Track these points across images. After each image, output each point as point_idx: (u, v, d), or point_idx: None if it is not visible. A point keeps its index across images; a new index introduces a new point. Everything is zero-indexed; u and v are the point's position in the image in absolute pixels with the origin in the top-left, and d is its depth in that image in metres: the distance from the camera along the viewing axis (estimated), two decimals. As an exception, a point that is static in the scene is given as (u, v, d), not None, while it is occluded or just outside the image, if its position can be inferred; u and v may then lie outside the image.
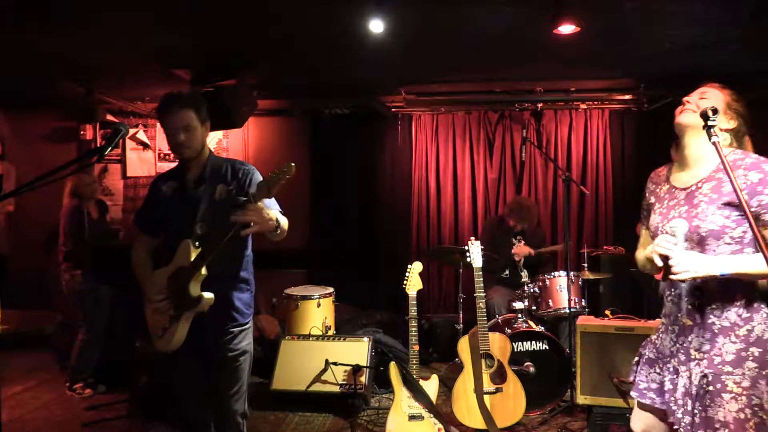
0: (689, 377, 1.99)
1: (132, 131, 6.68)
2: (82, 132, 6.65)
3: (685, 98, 2.11)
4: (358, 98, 5.95)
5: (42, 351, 5.74)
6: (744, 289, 1.95)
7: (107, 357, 4.85)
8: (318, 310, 4.77)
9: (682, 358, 2.03)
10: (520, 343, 4.18)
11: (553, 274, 4.67)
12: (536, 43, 4.50)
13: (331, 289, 4.98)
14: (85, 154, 5.82)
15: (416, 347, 3.63)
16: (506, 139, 6.30)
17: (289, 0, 3.71)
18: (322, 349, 4.36)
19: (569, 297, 4.43)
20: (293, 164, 2.37)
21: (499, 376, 3.78)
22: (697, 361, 1.98)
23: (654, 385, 2.14)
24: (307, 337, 4.50)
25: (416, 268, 3.68)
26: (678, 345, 2.06)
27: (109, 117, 6.56)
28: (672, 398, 2.05)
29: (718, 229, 1.93)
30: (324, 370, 4.25)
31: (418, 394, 3.54)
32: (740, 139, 2.09)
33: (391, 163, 6.45)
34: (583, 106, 6.13)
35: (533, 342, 4.21)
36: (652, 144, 5.84)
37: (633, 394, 2.20)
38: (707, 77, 2.17)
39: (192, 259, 2.47)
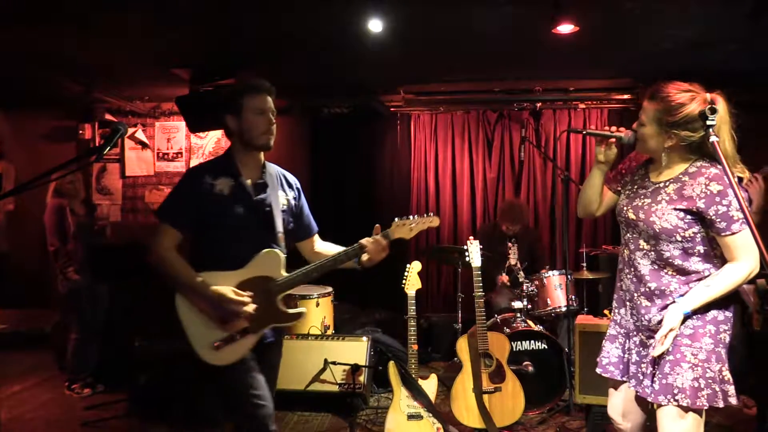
0: (654, 348, 2.12)
1: (131, 131, 6.69)
2: (80, 131, 6.65)
3: (633, 125, 2.24)
4: (358, 98, 5.95)
5: (41, 350, 5.74)
6: (699, 274, 2.10)
7: (106, 356, 4.85)
8: (317, 309, 4.77)
9: (647, 334, 2.19)
10: (518, 343, 4.19)
11: (549, 273, 4.68)
12: (535, 43, 4.51)
13: (330, 289, 4.98)
14: (83, 153, 5.82)
15: (415, 347, 3.63)
16: (505, 139, 6.30)
17: (288, -1, 3.71)
18: (321, 348, 4.36)
19: (567, 296, 4.44)
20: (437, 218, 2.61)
21: (497, 376, 3.79)
22: (656, 332, 2.12)
23: (614, 359, 2.30)
24: (306, 336, 4.50)
25: (415, 267, 3.68)
26: (640, 322, 2.20)
27: (108, 116, 6.55)
28: (639, 369, 2.21)
29: (670, 228, 2.08)
30: (323, 370, 4.25)
31: (417, 393, 3.54)
32: (696, 149, 2.09)
33: (390, 163, 6.45)
34: (582, 106, 6.13)
35: (532, 341, 4.21)
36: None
37: (597, 370, 2.35)
38: (705, 77, 2.19)
39: (284, 272, 2.44)
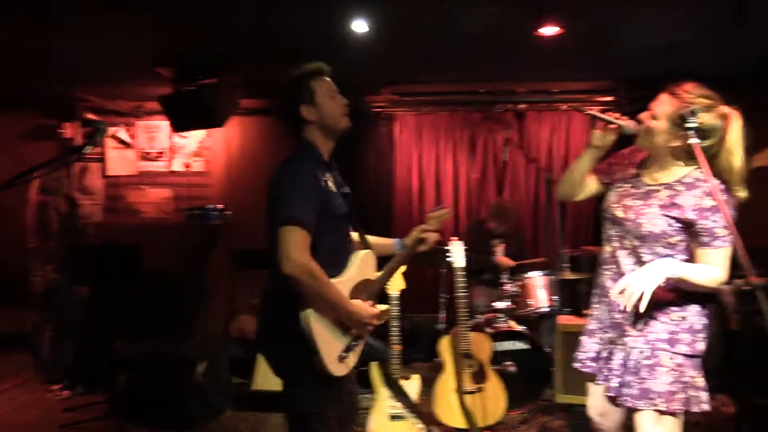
0: (626, 351, 2.16)
1: (113, 130, 6.63)
2: (61, 130, 6.56)
3: (641, 115, 2.19)
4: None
5: (19, 351, 5.66)
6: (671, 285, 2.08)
7: (85, 357, 4.80)
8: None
9: (620, 332, 2.20)
10: (500, 343, 4.21)
11: (531, 273, 4.71)
12: (519, 45, 4.53)
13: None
14: (65, 152, 5.76)
15: (398, 347, 3.63)
16: (489, 140, 6.32)
17: (271, -1, 3.71)
18: (303, 349, 4.35)
19: (549, 296, 4.47)
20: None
21: (479, 376, 3.80)
22: (633, 338, 2.15)
23: (592, 354, 2.32)
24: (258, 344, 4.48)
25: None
26: (614, 319, 2.23)
27: (90, 115, 6.48)
28: (606, 366, 2.23)
29: (658, 233, 2.10)
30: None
31: (400, 394, 3.55)
32: (690, 154, 2.07)
33: (374, 163, 6.44)
34: (565, 107, 6.17)
35: (514, 341, 4.24)
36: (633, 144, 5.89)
37: (575, 365, 2.37)
38: (687, 79, 2.19)
39: (376, 271, 2.40)
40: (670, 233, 2.08)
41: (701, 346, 2.10)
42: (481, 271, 5.14)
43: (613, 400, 2.22)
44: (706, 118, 2.03)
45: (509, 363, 4.13)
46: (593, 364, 2.30)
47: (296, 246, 2.05)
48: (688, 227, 2.06)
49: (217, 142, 6.63)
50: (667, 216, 2.08)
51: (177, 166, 6.73)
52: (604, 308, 2.29)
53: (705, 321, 2.13)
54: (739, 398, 3.71)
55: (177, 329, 4.75)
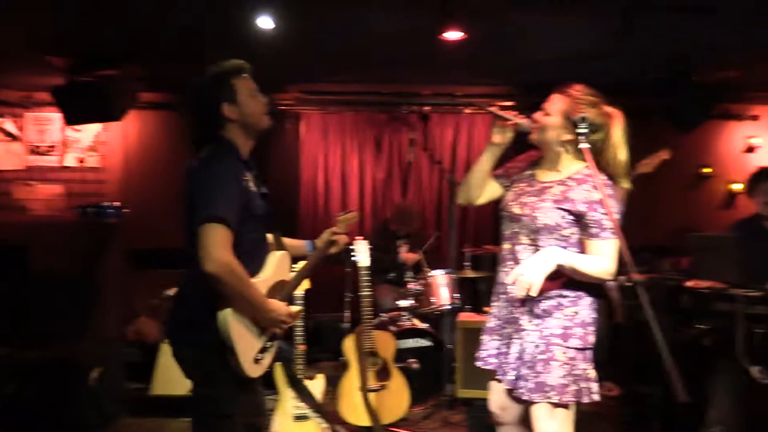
0: (522, 346, 2.25)
1: (-4, 121, 6.19)
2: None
3: (535, 114, 2.34)
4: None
5: None
6: (569, 277, 2.20)
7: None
8: (202, 311, 4.63)
9: (516, 326, 2.29)
10: (404, 341, 4.28)
11: (434, 272, 4.82)
12: (424, 48, 4.62)
13: (215, 290, 4.85)
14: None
15: (302, 347, 3.62)
16: (394, 141, 6.41)
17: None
18: (205, 351, 4.24)
19: (451, 294, 4.59)
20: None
21: (383, 374, 3.85)
22: (528, 332, 2.24)
23: (493, 351, 2.40)
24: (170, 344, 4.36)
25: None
26: (512, 315, 2.31)
27: (-28, 105, 6.04)
28: (505, 361, 2.31)
29: (553, 225, 2.21)
30: (207, 373, 4.14)
31: (304, 394, 3.54)
32: (579, 150, 2.22)
33: (279, 162, 6.35)
34: (468, 111, 6.35)
35: (417, 339, 4.32)
36: (533, 147, 6.15)
37: (477, 363, 2.44)
38: (561, 86, 2.33)
39: (290, 273, 2.42)
40: (563, 225, 2.21)
41: (592, 338, 2.23)
42: (385, 270, 5.21)
43: (510, 392, 2.32)
44: (593, 115, 2.21)
45: (412, 360, 4.21)
46: (494, 361, 2.38)
47: (219, 244, 2.00)
48: (579, 219, 2.20)
49: (114, 136, 6.33)
50: (560, 209, 2.21)
51: (70, 161, 6.36)
52: (503, 305, 2.37)
53: (595, 315, 2.26)
54: (624, 385, 3.97)
55: (68, 334, 4.50)
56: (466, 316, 4.17)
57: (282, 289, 2.33)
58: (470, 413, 3.87)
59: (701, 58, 5.09)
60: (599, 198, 2.13)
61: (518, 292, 2.11)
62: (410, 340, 4.30)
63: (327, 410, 3.68)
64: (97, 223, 5.51)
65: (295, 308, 2.33)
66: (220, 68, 2.28)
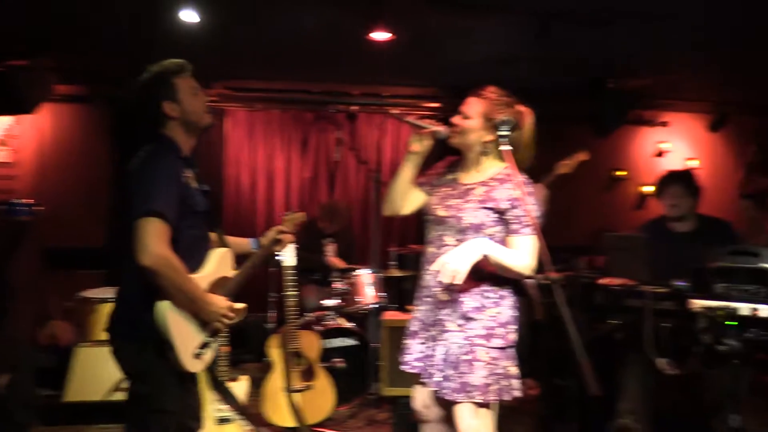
0: (447, 347, 2.29)
1: None
2: None
3: (453, 119, 2.41)
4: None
5: None
6: (492, 277, 2.29)
7: None
8: (119, 313, 4.47)
9: (440, 328, 2.33)
10: (329, 340, 4.28)
11: (359, 271, 4.83)
12: (352, 47, 4.63)
13: (133, 291, 4.69)
14: None
15: (225, 348, 3.55)
16: (321, 140, 6.39)
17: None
18: (123, 354, 4.10)
19: (376, 293, 4.62)
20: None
21: (308, 374, 3.84)
22: (452, 333, 2.29)
23: (418, 354, 2.42)
24: (104, 342, 4.20)
25: (226, 267, 3.60)
26: (437, 316, 2.34)
27: None
28: (431, 363, 2.34)
29: (478, 224, 2.28)
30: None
31: (227, 396, 3.47)
32: (499, 151, 2.32)
33: (203, 159, 6.19)
34: (395, 111, 6.40)
35: (342, 338, 4.32)
36: (452, 152, 6.27)
37: (402, 366, 2.46)
38: (505, 89, 2.40)
39: (233, 270, 2.43)
40: (488, 224, 2.28)
41: (513, 336, 2.31)
42: (311, 270, 5.18)
43: (435, 393, 2.35)
44: (510, 115, 2.30)
45: (338, 360, 4.21)
46: (419, 364, 2.40)
47: (155, 237, 2.01)
48: (503, 217, 2.28)
49: (26, 130, 6.00)
50: (484, 208, 2.28)
51: (-24, 155, 6.01)
52: (427, 307, 2.40)
53: (516, 314, 2.34)
54: (543, 380, 4.10)
55: (-27, 338, 4.25)
56: (391, 315, 4.21)
57: (224, 285, 2.35)
58: (395, 411, 3.90)
59: (616, 66, 5.33)
60: (520, 196, 2.21)
61: (443, 279, 2.15)
62: (336, 340, 4.30)
63: (251, 412, 3.63)
64: (7, 221, 5.23)
65: (237, 306, 2.34)
66: (162, 67, 2.30)
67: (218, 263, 2.34)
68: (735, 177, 7.17)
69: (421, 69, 5.48)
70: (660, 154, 7.10)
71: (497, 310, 2.29)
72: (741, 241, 3.87)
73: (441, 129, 2.39)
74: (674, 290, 3.03)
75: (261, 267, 3.64)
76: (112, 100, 5.88)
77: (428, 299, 2.39)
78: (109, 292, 4.58)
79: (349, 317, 4.76)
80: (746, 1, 3.85)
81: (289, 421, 3.72)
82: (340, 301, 4.70)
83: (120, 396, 3.99)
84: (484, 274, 2.28)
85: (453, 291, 2.29)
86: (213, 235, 2.47)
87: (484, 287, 2.30)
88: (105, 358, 4.05)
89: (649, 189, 6.88)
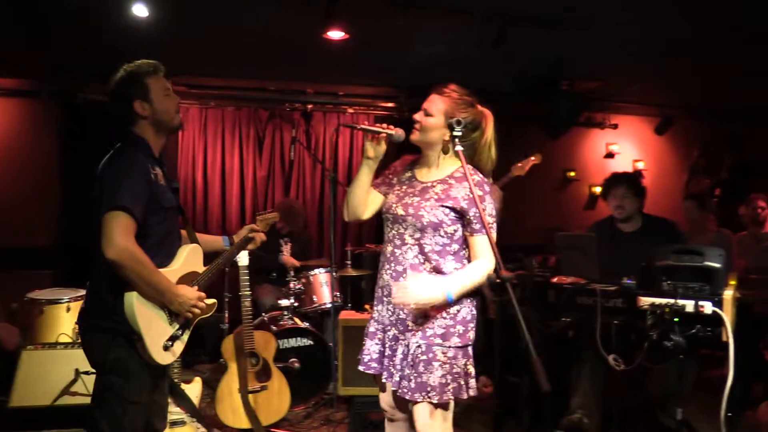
0: (407, 346, 2.30)
1: None
2: None
3: (415, 115, 2.40)
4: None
5: None
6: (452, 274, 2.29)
7: None
8: (68, 315, 4.34)
9: (401, 327, 2.33)
10: (285, 341, 4.25)
11: (315, 270, 4.82)
12: (309, 46, 4.62)
13: (83, 292, 4.56)
14: None
15: (178, 350, 3.49)
16: (276, 138, 6.33)
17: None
18: (71, 357, 3.97)
19: (332, 293, 4.62)
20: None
21: (264, 374, 3.80)
22: (413, 332, 2.29)
23: (375, 355, 2.42)
24: (54, 345, 4.08)
25: (180, 267, 3.54)
26: (395, 316, 2.34)
27: None
28: (390, 363, 2.35)
29: (436, 222, 2.27)
30: (74, 381, 3.89)
31: (180, 398, 3.42)
32: (466, 148, 2.32)
33: (156, 157, 6.11)
34: (351, 111, 6.40)
35: (298, 338, 4.31)
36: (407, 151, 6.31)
37: (360, 367, 2.46)
38: (437, 86, 2.40)
39: (202, 265, 2.48)
40: (447, 223, 2.28)
41: (472, 335, 2.32)
42: (267, 270, 5.14)
43: (395, 392, 2.35)
44: (471, 114, 2.32)
45: (293, 360, 4.19)
46: (377, 365, 2.40)
47: (120, 231, 2.08)
48: (462, 216, 2.28)
49: (-31, 125, 5.80)
50: (443, 207, 2.28)
51: None
52: (386, 308, 2.39)
53: (474, 312, 2.35)
54: (496, 378, 4.16)
55: None
56: (347, 315, 4.19)
57: (194, 279, 2.40)
58: (351, 411, 3.90)
59: (569, 69, 5.46)
60: (479, 194, 2.22)
61: (396, 300, 2.20)
62: (291, 340, 4.28)
63: (205, 414, 3.58)
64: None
65: (209, 301, 2.42)
66: (135, 66, 2.35)
67: (187, 258, 2.39)
68: (680, 178, 7.43)
69: (376, 69, 5.50)
70: (610, 155, 7.30)
71: (456, 308, 2.29)
72: (686, 240, 4.01)
73: (395, 132, 2.36)
74: (623, 288, 3.12)
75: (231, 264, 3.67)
76: (60, 95, 5.72)
77: (386, 299, 2.38)
78: (57, 293, 4.46)
79: (305, 317, 4.74)
80: (692, 9, 3.99)
81: (244, 423, 3.68)
82: (295, 301, 4.67)
83: (69, 400, 3.89)
84: (442, 270, 2.29)
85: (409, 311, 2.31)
86: (183, 231, 2.53)
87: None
88: (52, 361, 3.97)
89: (599, 189, 7.05)
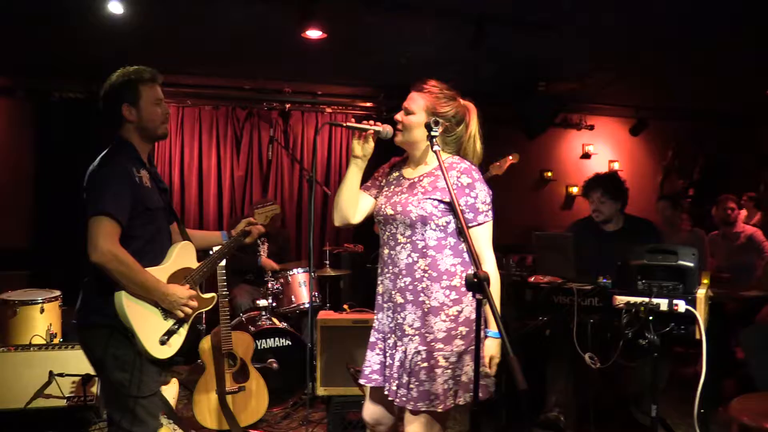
0: (405, 352, 2.22)
1: None
2: None
3: (396, 116, 2.34)
4: (95, 83, 5.46)
5: None
6: (450, 273, 2.22)
7: None
8: (41, 316, 4.28)
9: (399, 333, 2.26)
10: (263, 341, 4.23)
11: (293, 270, 4.80)
12: (287, 45, 4.60)
13: (57, 293, 4.50)
14: None
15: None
16: (254, 138, 6.30)
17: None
18: (45, 359, 3.92)
19: (310, 293, 4.61)
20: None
21: (241, 375, 3.78)
22: (410, 337, 2.22)
23: (376, 366, 2.34)
24: (27, 347, 4.02)
25: (157, 268, 3.51)
26: (395, 322, 2.27)
27: None
28: (389, 373, 2.27)
29: (426, 215, 2.20)
30: (48, 383, 3.83)
31: (157, 400, 3.38)
32: (452, 143, 2.33)
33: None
34: (329, 110, 6.39)
35: (276, 339, 4.29)
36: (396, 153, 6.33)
37: (361, 381, 2.38)
38: (415, 84, 2.38)
39: (195, 261, 2.53)
40: (437, 214, 2.20)
41: (480, 334, 2.23)
42: (244, 270, 5.11)
43: (392, 402, 2.26)
44: (454, 108, 2.29)
45: (271, 360, 4.17)
46: (378, 377, 2.32)
47: (103, 235, 2.17)
48: (452, 208, 2.15)
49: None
50: (431, 199, 2.21)
51: None
52: (386, 314, 2.32)
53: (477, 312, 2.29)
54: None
55: None
56: (325, 314, 4.19)
57: (186, 276, 2.46)
58: (330, 410, 3.90)
59: (546, 70, 5.51)
60: (467, 182, 2.19)
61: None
62: (269, 340, 4.26)
63: (182, 416, 3.55)
64: None
65: (206, 296, 2.52)
66: (132, 70, 2.42)
67: (178, 256, 2.46)
68: (654, 179, 7.54)
69: (355, 68, 5.50)
70: (586, 155, 7.38)
71: (457, 309, 2.19)
72: (664, 241, 4.08)
73: (383, 128, 2.31)
74: (599, 287, 3.16)
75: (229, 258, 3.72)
76: (35, 93, 5.62)
77: (387, 305, 2.31)
78: (31, 294, 4.39)
79: (283, 317, 4.72)
80: (668, 11, 4.06)
81: (222, 424, 3.66)
82: (273, 301, 4.66)
83: (43, 403, 3.83)
84: (439, 266, 2.21)
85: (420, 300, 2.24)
86: (175, 229, 2.60)
87: (443, 285, 2.20)
88: (26, 363, 3.91)
89: (576, 189, 7.15)
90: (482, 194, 2.22)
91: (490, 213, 2.23)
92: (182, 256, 2.48)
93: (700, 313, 2.73)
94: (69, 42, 4.58)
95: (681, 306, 2.73)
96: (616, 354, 2.91)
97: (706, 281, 2.87)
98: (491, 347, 2.18)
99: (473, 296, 2.16)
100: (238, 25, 4.27)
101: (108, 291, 2.22)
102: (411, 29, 4.35)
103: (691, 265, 2.81)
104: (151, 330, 2.30)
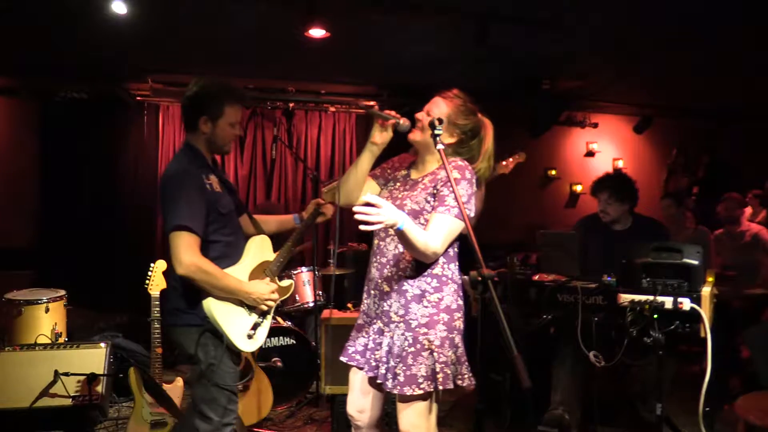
0: (392, 338, 2.29)
1: None
2: None
3: (417, 114, 2.40)
4: (99, 83, 5.48)
5: None
6: (433, 263, 2.29)
7: None
8: (46, 315, 4.29)
9: (385, 320, 2.33)
10: (268, 340, 4.23)
11: (298, 269, 4.81)
12: (290, 44, 4.60)
13: (62, 292, 4.51)
14: None
15: (159, 350, 3.48)
16: (257, 137, 6.31)
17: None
18: (50, 359, 3.92)
19: (314, 291, 4.61)
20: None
21: (246, 374, 3.79)
22: (396, 324, 2.29)
23: (360, 348, 2.41)
24: (33, 346, 4.02)
25: (159, 266, 3.52)
26: (381, 308, 2.35)
27: None
28: (373, 356, 2.34)
29: (418, 209, 2.29)
30: (53, 383, 3.83)
31: (161, 399, 3.40)
32: (464, 155, 2.38)
33: (135, 155, 6.03)
34: (332, 109, 6.39)
35: (281, 337, 4.29)
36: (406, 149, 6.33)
37: (342, 357, 2.45)
38: (440, 90, 2.43)
39: (273, 252, 2.69)
40: (426, 209, 2.28)
41: (459, 324, 2.31)
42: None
43: (380, 386, 2.33)
44: (473, 122, 2.37)
45: (276, 359, 4.18)
46: (360, 358, 2.39)
47: (185, 249, 2.31)
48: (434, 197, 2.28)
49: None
50: (428, 195, 2.29)
51: None
52: (373, 299, 2.39)
53: (460, 302, 2.33)
54: (478, 375, 4.18)
55: None
56: (330, 313, 4.19)
57: (266, 269, 2.62)
58: (335, 409, 3.90)
59: (550, 68, 5.50)
60: (455, 177, 2.21)
61: (359, 210, 2.03)
62: (274, 339, 4.26)
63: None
64: None
65: (283, 283, 2.66)
66: (225, 85, 2.54)
67: (255, 250, 2.61)
68: (658, 177, 7.52)
69: (358, 67, 5.49)
70: (590, 153, 7.37)
71: (438, 296, 2.27)
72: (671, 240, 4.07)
73: (402, 121, 2.36)
74: (604, 285, 3.15)
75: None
76: (39, 93, 5.64)
77: (373, 292, 2.38)
78: (36, 294, 4.40)
79: (288, 316, 4.73)
80: (671, 11, 4.04)
81: (227, 423, 3.67)
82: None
83: (48, 402, 3.84)
84: (422, 264, 2.26)
85: (395, 279, 2.29)
86: (246, 221, 2.75)
87: (425, 274, 2.28)
88: (31, 363, 3.91)
89: (580, 187, 7.13)
90: (463, 191, 2.24)
91: (453, 211, 2.21)
92: (259, 250, 2.63)
93: (705, 311, 2.72)
94: (71, 42, 4.59)
95: (686, 304, 2.72)
96: (620, 352, 2.90)
97: (711, 279, 2.86)
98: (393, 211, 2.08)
99: (476, 294, 2.20)
100: (242, 24, 4.27)
101: (196, 296, 2.40)
102: (415, 28, 4.34)
103: (696, 263, 2.81)
104: (239, 327, 2.46)
